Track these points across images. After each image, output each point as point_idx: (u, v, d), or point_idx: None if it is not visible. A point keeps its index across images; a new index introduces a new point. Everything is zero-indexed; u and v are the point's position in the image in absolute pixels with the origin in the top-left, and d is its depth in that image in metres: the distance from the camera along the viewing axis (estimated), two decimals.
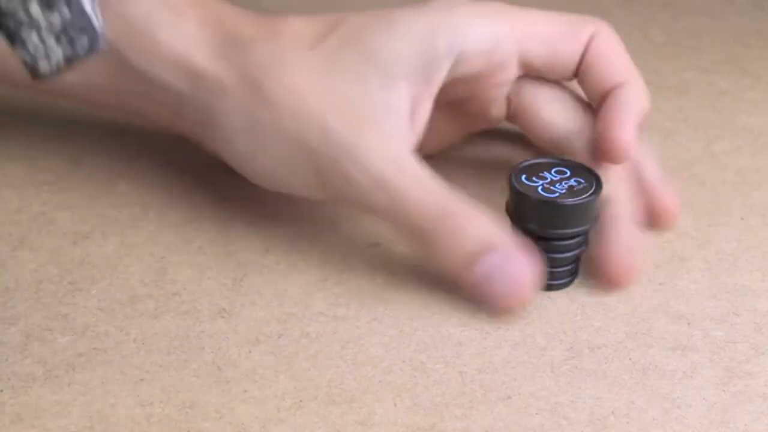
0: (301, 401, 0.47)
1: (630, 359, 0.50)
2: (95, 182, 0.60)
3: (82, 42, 0.40)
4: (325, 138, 0.52)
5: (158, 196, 0.59)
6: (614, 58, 0.56)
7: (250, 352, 0.50)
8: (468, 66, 0.54)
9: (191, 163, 0.61)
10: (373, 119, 0.52)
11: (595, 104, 0.56)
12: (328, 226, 0.58)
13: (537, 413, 0.47)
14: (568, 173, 0.53)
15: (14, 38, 0.39)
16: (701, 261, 0.56)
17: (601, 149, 0.54)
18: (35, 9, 0.38)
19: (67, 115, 0.65)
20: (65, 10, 0.39)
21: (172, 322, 0.51)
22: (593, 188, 0.53)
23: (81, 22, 0.40)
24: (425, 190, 0.52)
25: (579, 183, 0.53)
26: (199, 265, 0.55)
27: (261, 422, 0.46)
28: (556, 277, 0.53)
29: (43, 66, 0.40)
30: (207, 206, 0.59)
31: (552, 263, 0.53)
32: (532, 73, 0.56)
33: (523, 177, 0.53)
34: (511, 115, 0.58)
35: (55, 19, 0.39)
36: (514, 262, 0.51)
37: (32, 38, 0.39)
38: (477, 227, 0.51)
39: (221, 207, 0.59)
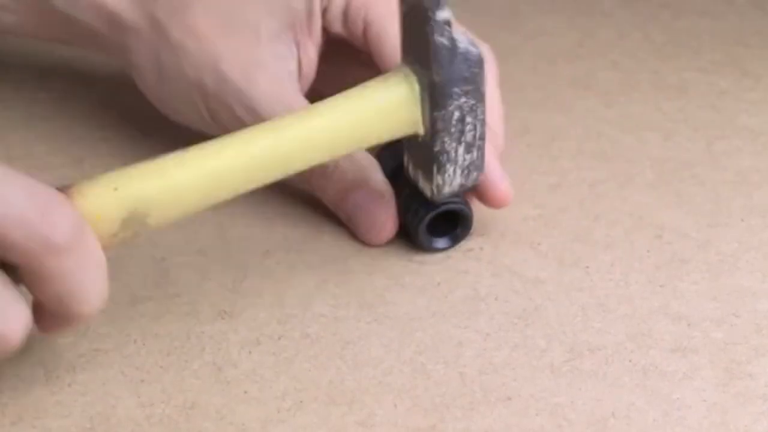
0: (301, 402, 0.48)
1: (630, 360, 0.50)
2: None
3: (474, 176, 0.54)
4: (219, 82, 0.57)
5: None
6: None
7: (250, 353, 0.50)
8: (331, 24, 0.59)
9: None
10: (264, 65, 0.57)
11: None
12: (328, 227, 0.58)
13: (537, 414, 0.47)
14: None
15: (439, 168, 0.53)
16: (701, 262, 0.56)
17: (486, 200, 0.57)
18: (461, 151, 0.52)
19: (68, 115, 0.65)
20: (475, 154, 0.53)
21: (173, 323, 0.51)
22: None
23: (479, 161, 0.53)
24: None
25: None
26: (200, 266, 0.55)
27: (261, 423, 0.46)
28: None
29: (445, 191, 0.54)
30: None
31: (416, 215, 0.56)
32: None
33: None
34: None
35: (467, 159, 0.53)
36: (376, 201, 0.56)
37: (449, 170, 0.53)
38: (348, 168, 0.56)
39: (221, 209, 0.59)
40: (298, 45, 0.58)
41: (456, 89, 0.51)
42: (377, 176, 0.56)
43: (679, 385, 0.49)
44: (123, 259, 0.55)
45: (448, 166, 0.53)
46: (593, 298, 0.53)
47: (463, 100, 0.51)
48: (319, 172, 0.56)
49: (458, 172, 0.53)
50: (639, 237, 0.58)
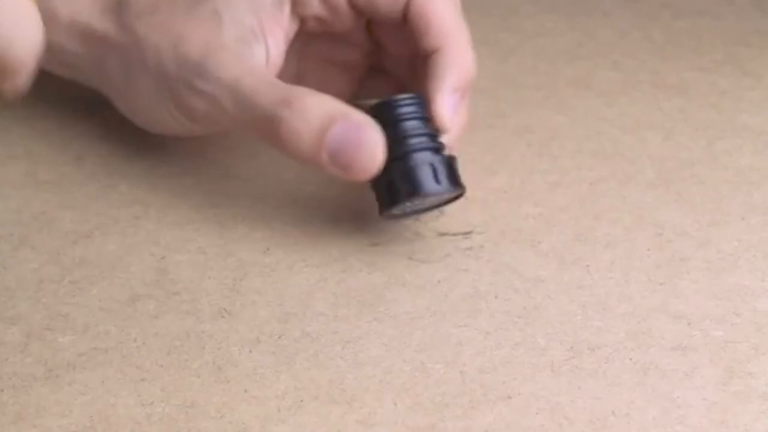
0: (301, 401, 0.47)
1: (630, 359, 0.50)
2: (96, 182, 0.60)
3: None
4: (179, 64, 0.56)
5: (158, 196, 0.59)
6: (434, 19, 0.57)
7: (250, 351, 0.50)
8: (305, 7, 0.58)
9: (191, 163, 0.62)
10: (225, 46, 0.56)
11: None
12: (328, 226, 0.58)
13: (537, 413, 0.47)
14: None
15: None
16: (702, 261, 0.56)
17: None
18: None
19: (68, 115, 0.65)
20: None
21: (173, 322, 0.51)
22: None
23: None
24: (272, 84, 0.54)
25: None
26: (200, 264, 0.55)
27: (261, 422, 0.46)
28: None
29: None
30: (207, 206, 0.59)
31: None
32: (361, 11, 0.59)
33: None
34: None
35: None
36: (361, 128, 0.53)
37: None
38: (319, 104, 0.53)
39: (221, 207, 0.59)
40: (264, 32, 0.57)
41: None
42: (350, 108, 0.54)
43: (679, 383, 0.49)
44: (122, 257, 0.55)
45: None
46: (593, 297, 0.53)
47: None
48: (287, 119, 0.53)
49: None
50: (639, 235, 0.58)
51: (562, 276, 0.55)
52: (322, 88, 0.56)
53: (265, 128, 0.54)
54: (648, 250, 0.57)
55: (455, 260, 0.56)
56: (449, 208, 0.58)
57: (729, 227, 0.58)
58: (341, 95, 0.60)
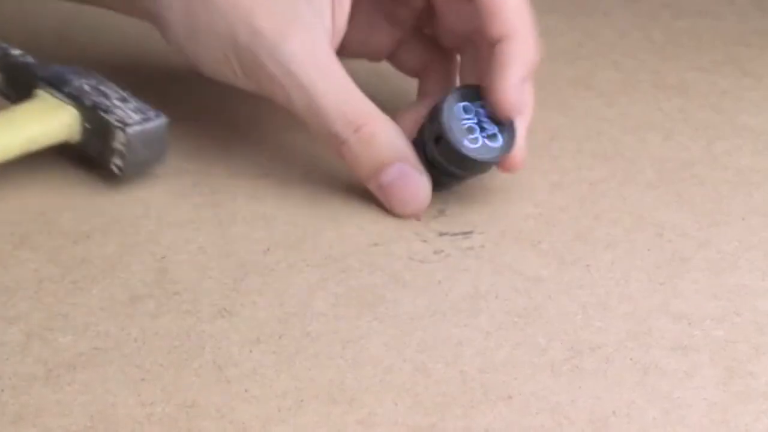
0: (301, 401, 0.47)
1: (630, 359, 0.50)
2: (96, 182, 0.60)
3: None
4: (253, 37, 0.56)
5: (159, 196, 0.59)
6: (504, 7, 0.57)
7: (250, 351, 0.50)
8: None
9: (192, 163, 0.62)
10: (300, 20, 0.56)
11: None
12: (328, 226, 0.58)
13: (537, 413, 0.47)
14: (486, 120, 0.57)
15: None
16: (702, 261, 0.56)
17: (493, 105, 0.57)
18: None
19: None
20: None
21: (173, 322, 0.51)
22: (504, 143, 0.57)
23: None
24: (343, 98, 0.56)
25: (494, 132, 0.57)
26: (200, 264, 0.55)
27: (261, 422, 0.46)
28: (442, 188, 0.59)
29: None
30: (207, 206, 0.59)
31: (441, 182, 0.59)
32: None
33: (452, 110, 0.57)
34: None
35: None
36: (411, 178, 0.57)
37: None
38: (384, 141, 0.56)
39: (222, 207, 0.59)
40: None
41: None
42: (413, 152, 0.57)
43: (679, 383, 0.49)
44: (122, 256, 0.55)
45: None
46: (594, 297, 0.53)
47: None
48: (354, 141, 0.56)
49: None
50: (639, 236, 0.58)
51: (563, 276, 0.55)
52: (366, 36, 0.58)
53: (327, 138, 0.57)
54: (648, 250, 0.57)
55: (455, 260, 0.56)
56: (449, 208, 0.58)
57: (729, 227, 0.58)
58: (381, 47, 0.63)
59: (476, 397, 0.48)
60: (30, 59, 0.62)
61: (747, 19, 0.80)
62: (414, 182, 0.57)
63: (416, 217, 0.58)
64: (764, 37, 0.78)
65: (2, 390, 0.47)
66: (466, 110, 0.57)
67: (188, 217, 0.58)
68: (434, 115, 0.57)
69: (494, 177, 0.60)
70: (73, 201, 0.59)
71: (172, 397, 0.47)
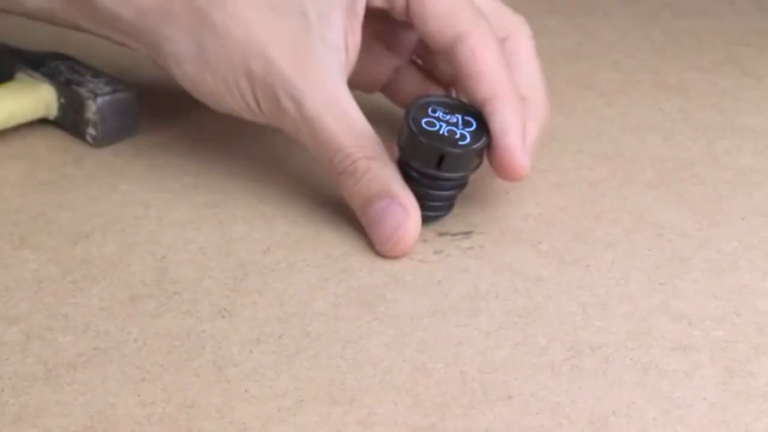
0: (301, 401, 0.47)
1: (630, 359, 0.50)
2: (96, 182, 0.60)
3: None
4: (269, 69, 0.57)
5: (159, 196, 0.59)
6: (485, 72, 0.57)
7: (250, 351, 0.50)
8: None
9: (192, 163, 0.62)
10: (314, 53, 0.57)
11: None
12: (328, 226, 0.58)
13: (537, 413, 0.47)
14: (459, 118, 0.56)
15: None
16: (702, 261, 0.56)
17: (499, 169, 0.57)
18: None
19: None
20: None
21: (173, 322, 0.51)
22: (481, 137, 0.56)
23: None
24: (345, 131, 0.56)
25: (470, 128, 0.56)
26: (200, 264, 0.55)
27: (262, 422, 0.46)
28: (433, 209, 0.57)
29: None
30: (207, 206, 0.59)
31: (431, 198, 0.57)
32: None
33: (418, 115, 0.56)
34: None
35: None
36: (395, 215, 0.56)
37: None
38: (376, 177, 0.56)
39: (221, 207, 0.59)
40: (345, 29, 0.58)
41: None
42: (403, 190, 0.56)
43: (679, 383, 0.49)
44: (122, 256, 0.55)
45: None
46: (594, 297, 0.53)
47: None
48: (349, 173, 0.56)
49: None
50: (639, 236, 0.58)
51: (563, 276, 0.55)
52: (366, 64, 0.58)
53: (326, 166, 0.57)
54: (648, 250, 0.57)
55: (455, 260, 0.56)
56: None
57: (729, 227, 0.58)
58: (380, 76, 0.63)
59: (476, 397, 0.48)
60: (11, 45, 0.66)
61: (747, 19, 0.80)
62: (396, 219, 0.56)
63: (402, 254, 0.56)
64: (764, 37, 0.78)
65: (2, 390, 0.47)
66: (433, 110, 0.57)
67: (188, 217, 0.58)
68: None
69: (494, 177, 0.60)
70: (73, 201, 0.59)
71: (172, 397, 0.47)
